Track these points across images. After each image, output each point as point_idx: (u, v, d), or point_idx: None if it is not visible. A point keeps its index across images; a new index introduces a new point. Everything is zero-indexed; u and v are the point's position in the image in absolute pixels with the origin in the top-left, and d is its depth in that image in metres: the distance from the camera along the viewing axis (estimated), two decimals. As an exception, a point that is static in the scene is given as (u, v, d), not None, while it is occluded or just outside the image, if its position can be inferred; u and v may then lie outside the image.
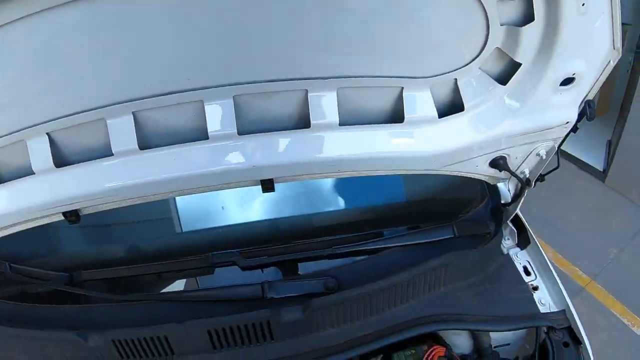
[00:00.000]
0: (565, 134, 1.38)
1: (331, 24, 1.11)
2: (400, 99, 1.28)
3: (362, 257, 1.56)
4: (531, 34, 1.18)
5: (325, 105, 1.23)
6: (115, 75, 1.13)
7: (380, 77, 1.25)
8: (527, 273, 1.62)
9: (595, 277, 3.61)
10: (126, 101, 1.17)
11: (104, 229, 1.71)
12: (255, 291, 1.40)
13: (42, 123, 1.19)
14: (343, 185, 1.77)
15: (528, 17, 1.16)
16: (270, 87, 1.19)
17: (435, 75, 1.28)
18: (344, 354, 1.36)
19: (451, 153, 1.34)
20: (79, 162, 1.26)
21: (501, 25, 1.19)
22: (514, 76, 1.26)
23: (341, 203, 1.82)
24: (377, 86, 1.26)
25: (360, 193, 1.80)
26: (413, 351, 1.39)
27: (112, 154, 1.22)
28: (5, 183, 1.28)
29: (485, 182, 1.56)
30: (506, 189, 1.60)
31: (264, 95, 1.22)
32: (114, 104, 1.16)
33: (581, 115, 1.34)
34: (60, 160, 1.24)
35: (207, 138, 1.22)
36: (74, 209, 1.32)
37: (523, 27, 1.16)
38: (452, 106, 1.32)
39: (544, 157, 1.45)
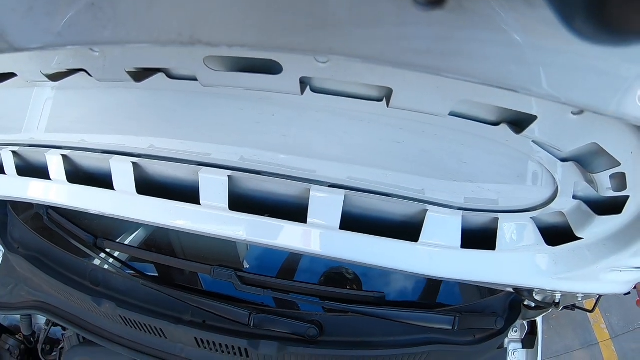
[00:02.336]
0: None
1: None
2: (420, 220, 1.08)
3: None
4: (609, 223, 0.90)
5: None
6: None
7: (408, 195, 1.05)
8: None
9: (615, 337, 3.31)
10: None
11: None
12: (243, 318, 1.47)
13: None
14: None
15: (612, 209, 0.87)
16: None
17: (475, 210, 1.05)
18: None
19: (467, 281, 1.17)
20: (158, 197, 1.24)
21: (573, 198, 0.91)
22: (567, 245, 1.00)
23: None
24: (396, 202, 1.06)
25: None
26: None
27: (200, 204, 1.17)
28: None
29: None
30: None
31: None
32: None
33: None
34: (141, 189, 1.25)
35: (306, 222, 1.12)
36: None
37: (601, 217, 0.88)
38: (481, 241, 1.09)
39: (580, 298, 1.23)
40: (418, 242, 1.09)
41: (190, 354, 1.54)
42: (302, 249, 1.14)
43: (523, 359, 1.54)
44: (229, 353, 1.48)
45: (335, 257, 1.16)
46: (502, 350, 1.53)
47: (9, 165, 1.47)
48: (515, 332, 1.56)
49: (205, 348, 1.50)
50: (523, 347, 1.55)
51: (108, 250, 1.70)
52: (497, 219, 1.05)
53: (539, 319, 1.51)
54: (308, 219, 1.10)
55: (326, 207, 1.08)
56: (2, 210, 2.02)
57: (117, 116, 1.26)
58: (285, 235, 1.15)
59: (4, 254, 2.09)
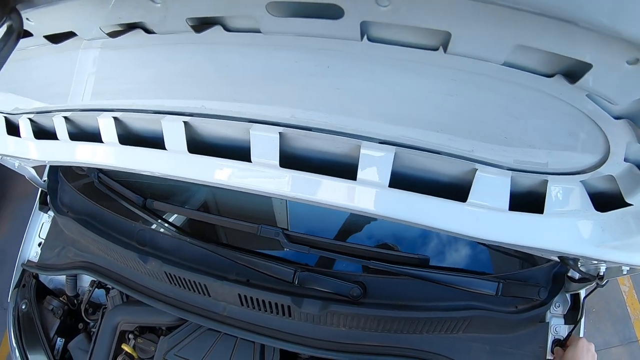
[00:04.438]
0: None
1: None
2: (469, 180, 1.08)
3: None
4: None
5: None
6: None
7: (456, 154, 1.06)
8: None
9: (659, 336, 3.13)
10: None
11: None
12: (287, 275, 1.51)
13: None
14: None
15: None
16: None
17: (524, 172, 1.04)
18: (344, 354, 1.50)
19: (514, 245, 1.16)
20: (209, 155, 1.28)
21: (625, 161, 0.90)
22: (616, 210, 0.98)
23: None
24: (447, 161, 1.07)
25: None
26: None
27: (250, 161, 1.21)
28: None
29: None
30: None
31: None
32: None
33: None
34: (192, 148, 1.30)
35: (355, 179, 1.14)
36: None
37: None
38: (529, 204, 1.08)
39: (625, 271, 1.21)
40: (466, 203, 1.10)
41: (232, 312, 1.59)
42: (351, 206, 1.16)
43: (565, 334, 1.51)
44: (271, 311, 1.53)
45: (382, 215, 1.17)
46: (544, 324, 1.51)
47: (62, 130, 1.54)
48: (558, 307, 1.53)
49: (248, 306, 1.55)
50: (565, 323, 1.52)
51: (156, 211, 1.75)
52: (547, 181, 1.04)
53: (582, 293, 1.49)
54: (358, 176, 1.12)
55: (376, 163, 1.09)
56: (53, 176, 2.12)
57: (167, 76, 1.29)
58: (334, 192, 1.17)
59: (53, 218, 2.19)
